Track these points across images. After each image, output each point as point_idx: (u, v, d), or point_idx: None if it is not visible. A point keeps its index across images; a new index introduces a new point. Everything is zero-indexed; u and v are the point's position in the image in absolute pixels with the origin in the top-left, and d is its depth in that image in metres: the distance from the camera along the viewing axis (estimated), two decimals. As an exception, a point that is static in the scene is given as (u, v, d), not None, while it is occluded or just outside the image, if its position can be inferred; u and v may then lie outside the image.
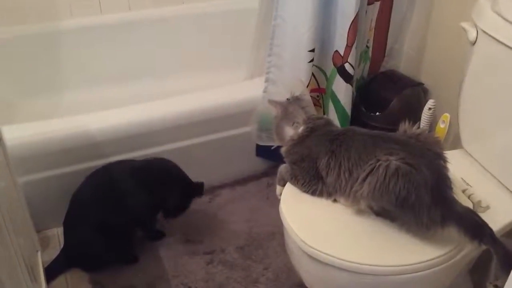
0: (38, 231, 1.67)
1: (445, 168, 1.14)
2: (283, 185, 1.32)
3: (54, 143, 1.66)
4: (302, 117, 1.32)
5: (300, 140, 1.29)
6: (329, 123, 1.33)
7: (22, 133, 1.61)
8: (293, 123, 1.32)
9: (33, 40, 2.15)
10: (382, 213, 1.16)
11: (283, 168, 1.34)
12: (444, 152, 1.17)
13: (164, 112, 1.81)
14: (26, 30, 2.13)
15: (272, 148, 1.79)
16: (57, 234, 1.76)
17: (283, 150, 1.35)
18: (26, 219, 1.46)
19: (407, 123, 1.21)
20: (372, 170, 1.10)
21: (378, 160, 1.10)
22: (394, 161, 1.09)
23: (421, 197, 1.07)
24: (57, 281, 1.61)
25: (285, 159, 1.34)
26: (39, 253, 1.50)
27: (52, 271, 1.59)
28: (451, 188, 1.13)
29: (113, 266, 1.64)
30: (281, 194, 1.31)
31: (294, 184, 1.29)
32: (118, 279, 1.61)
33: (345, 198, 1.20)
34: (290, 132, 1.32)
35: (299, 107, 1.34)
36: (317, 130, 1.29)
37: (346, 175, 1.17)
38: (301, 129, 1.30)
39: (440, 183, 1.11)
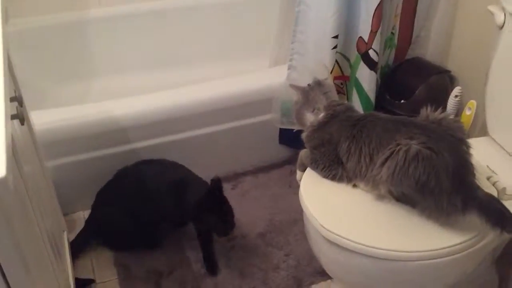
0: (65, 214, 1.72)
1: (468, 154, 1.12)
2: (303, 171, 1.32)
3: (81, 129, 1.70)
4: (323, 103, 1.31)
5: (321, 126, 1.29)
6: (350, 108, 1.32)
7: (50, 119, 1.66)
8: (314, 109, 1.32)
9: (63, 29, 2.20)
10: (402, 199, 1.15)
11: (303, 153, 1.34)
12: (467, 137, 1.15)
13: (189, 99, 1.84)
14: (56, 19, 2.18)
15: (294, 131, 1.78)
16: (83, 217, 1.80)
17: (303, 135, 1.35)
18: (53, 202, 1.51)
19: (429, 108, 1.19)
20: (391, 154, 1.09)
21: (398, 144, 1.09)
22: (414, 145, 1.07)
23: (441, 182, 1.06)
24: (83, 262, 1.65)
25: (305, 145, 1.34)
26: (65, 233, 1.54)
27: (76, 245, 1.64)
28: (473, 174, 1.11)
29: (137, 250, 1.68)
30: (301, 179, 1.31)
31: (314, 169, 1.29)
32: (143, 262, 1.65)
33: (365, 183, 1.19)
34: (310, 118, 1.32)
35: (320, 92, 1.33)
36: (337, 116, 1.28)
37: (367, 159, 1.16)
38: (321, 115, 1.30)
39: (461, 168, 1.09)
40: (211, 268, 1.62)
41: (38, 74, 2.13)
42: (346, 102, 1.66)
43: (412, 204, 1.14)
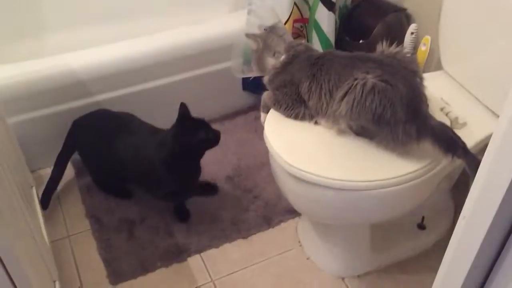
0: (32, 170, 1.72)
1: (421, 85, 1.17)
2: (267, 112, 1.35)
3: (40, 83, 1.67)
4: (282, 46, 1.33)
5: (283, 68, 1.31)
6: (309, 48, 1.34)
7: (7, 74, 1.62)
8: (274, 52, 1.33)
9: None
10: (361, 132, 1.20)
11: (265, 95, 1.37)
12: (420, 69, 1.19)
13: (150, 48, 1.82)
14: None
15: (250, 79, 1.80)
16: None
17: (265, 79, 1.36)
18: (19, 157, 1.50)
19: (384, 43, 1.22)
20: (349, 88, 1.13)
21: (356, 79, 1.13)
22: (370, 79, 1.11)
23: (396, 113, 1.11)
24: (54, 215, 1.67)
25: (268, 87, 1.36)
26: (33, 189, 1.55)
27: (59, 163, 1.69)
28: (427, 105, 1.17)
29: (108, 200, 1.70)
30: (265, 121, 1.34)
31: (277, 110, 1.32)
32: (114, 212, 1.68)
33: (327, 119, 1.23)
34: (272, 61, 1.34)
35: (277, 36, 1.35)
36: (298, 56, 1.30)
37: (327, 96, 1.20)
38: (282, 57, 1.32)
39: (415, 99, 1.14)
40: (183, 215, 1.66)
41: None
42: (304, 42, 1.68)
43: (370, 136, 1.19)
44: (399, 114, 1.11)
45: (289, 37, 1.36)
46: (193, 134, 1.45)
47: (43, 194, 1.65)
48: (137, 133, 1.59)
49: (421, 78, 1.17)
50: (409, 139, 1.13)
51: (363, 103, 1.11)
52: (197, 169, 1.58)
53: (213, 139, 1.50)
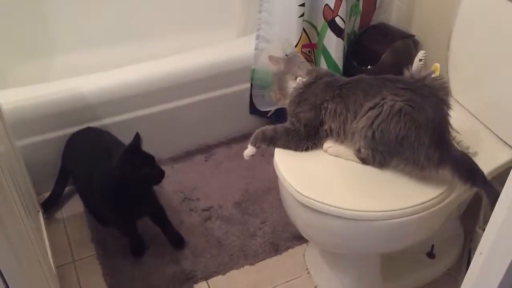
0: (39, 194, 1.71)
1: (448, 114, 1.16)
2: (257, 147, 1.31)
3: (49, 106, 1.67)
4: (304, 70, 1.33)
5: (306, 88, 1.30)
6: (330, 73, 1.35)
7: (16, 97, 1.63)
8: (296, 77, 1.33)
9: (21, 3, 2.12)
10: (367, 160, 1.20)
11: (263, 129, 1.32)
12: (449, 98, 1.18)
13: (157, 72, 1.82)
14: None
15: (272, 112, 1.79)
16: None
17: (287, 102, 1.33)
18: (27, 182, 1.49)
19: (411, 68, 1.23)
20: (375, 105, 1.13)
21: (383, 99, 1.13)
22: (399, 102, 1.11)
23: (421, 137, 1.11)
24: (60, 239, 1.66)
25: (288, 110, 1.33)
26: (40, 214, 1.54)
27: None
28: (450, 134, 1.17)
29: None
30: (250, 155, 1.31)
31: (286, 142, 1.28)
32: (120, 237, 1.66)
33: (348, 138, 1.21)
34: (293, 85, 1.33)
35: (299, 61, 1.35)
36: (322, 78, 1.30)
37: (352, 117, 1.19)
38: (305, 78, 1.31)
39: (441, 127, 1.14)
40: (176, 241, 1.63)
41: (-3, 52, 2.07)
42: (324, 68, 1.68)
43: (379, 164, 1.19)
44: (423, 139, 1.11)
45: (307, 65, 1.36)
46: (137, 167, 1.42)
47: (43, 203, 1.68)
48: (99, 155, 1.56)
49: (449, 107, 1.17)
50: (429, 164, 1.13)
51: (388, 123, 1.11)
52: (141, 204, 1.53)
53: (155, 177, 1.47)
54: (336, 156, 1.26)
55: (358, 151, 1.20)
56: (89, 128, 1.72)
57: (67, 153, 1.70)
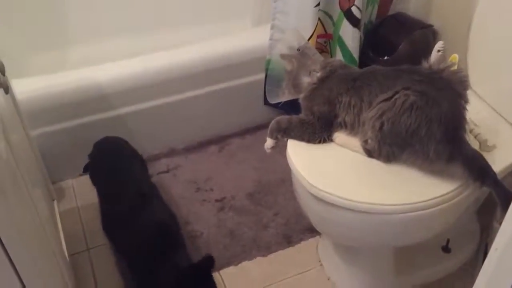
0: (53, 182, 1.73)
1: (464, 109, 1.13)
2: (275, 138, 1.31)
3: (64, 96, 1.69)
4: (318, 64, 1.31)
5: (320, 83, 1.28)
6: (344, 64, 1.32)
7: (32, 87, 1.64)
8: (310, 72, 1.31)
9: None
10: (373, 152, 1.18)
11: (279, 119, 1.31)
12: (466, 92, 1.15)
13: (173, 62, 1.82)
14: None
15: (281, 103, 1.77)
16: (72, 186, 1.81)
17: (301, 97, 1.32)
18: (41, 170, 1.50)
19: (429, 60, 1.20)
20: (389, 98, 1.11)
21: (397, 92, 1.11)
22: (412, 96, 1.09)
23: (432, 132, 1.09)
24: (74, 228, 1.67)
25: (302, 105, 1.31)
26: (55, 202, 1.55)
27: None
28: (465, 130, 1.13)
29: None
30: (271, 148, 1.31)
31: (300, 134, 1.27)
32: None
33: (361, 130, 1.20)
34: (307, 80, 1.31)
35: (311, 55, 1.33)
36: (335, 71, 1.28)
37: (367, 108, 1.17)
38: (319, 73, 1.30)
39: (455, 121, 1.11)
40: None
41: (13, 41, 2.08)
42: (337, 58, 1.65)
43: (385, 158, 1.17)
44: (434, 132, 1.08)
45: (320, 57, 1.34)
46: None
47: None
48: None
49: (466, 101, 1.13)
50: (439, 159, 1.10)
51: (399, 117, 1.09)
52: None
53: None
54: (342, 146, 1.24)
55: (365, 142, 1.18)
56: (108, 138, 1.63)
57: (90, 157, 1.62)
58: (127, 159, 1.55)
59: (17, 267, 0.81)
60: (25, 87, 1.58)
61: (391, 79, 1.16)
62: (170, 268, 1.24)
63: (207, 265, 1.26)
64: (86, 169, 1.60)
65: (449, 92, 1.12)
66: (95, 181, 1.56)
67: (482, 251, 1.52)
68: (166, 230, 1.34)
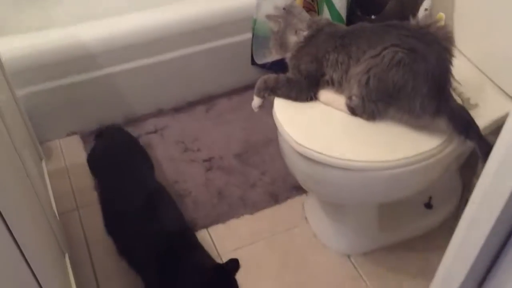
0: (41, 142, 1.72)
1: (450, 63, 1.14)
2: (262, 97, 1.32)
3: (50, 55, 1.66)
4: (304, 23, 1.30)
5: (307, 41, 1.28)
6: (332, 23, 1.32)
7: (17, 45, 1.61)
8: (296, 30, 1.31)
9: None
10: (356, 110, 1.20)
11: (265, 78, 1.31)
12: (452, 47, 1.16)
13: (159, 21, 1.80)
14: None
15: (269, 64, 1.77)
16: (59, 145, 1.81)
17: (288, 56, 1.32)
18: (28, 130, 1.50)
19: (417, 16, 1.20)
20: (377, 54, 1.12)
21: (385, 48, 1.11)
22: (400, 53, 1.10)
23: (418, 86, 1.10)
24: (63, 188, 1.68)
25: (289, 64, 1.32)
26: (43, 162, 1.56)
27: None
28: (451, 84, 1.15)
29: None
30: (258, 107, 1.33)
31: (287, 92, 1.28)
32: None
33: (347, 87, 1.21)
34: (294, 39, 1.31)
35: (297, 14, 1.32)
36: (322, 29, 1.28)
37: (354, 63, 1.18)
38: (305, 32, 1.29)
39: (442, 76, 1.13)
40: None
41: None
42: (323, 16, 1.64)
43: (368, 116, 1.19)
44: (421, 87, 1.10)
45: (306, 15, 1.33)
46: None
47: None
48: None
49: (451, 56, 1.15)
50: (425, 114, 1.13)
51: (386, 72, 1.10)
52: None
53: None
54: (326, 104, 1.26)
55: (349, 99, 1.20)
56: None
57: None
58: (135, 158, 1.52)
59: (9, 225, 0.82)
60: (10, 46, 1.56)
61: (379, 35, 1.16)
62: (192, 269, 1.21)
63: (232, 267, 1.24)
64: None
65: (436, 46, 1.13)
66: (96, 174, 1.55)
67: (463, 207, 1.57)
68: (177, 237, 1.29)
